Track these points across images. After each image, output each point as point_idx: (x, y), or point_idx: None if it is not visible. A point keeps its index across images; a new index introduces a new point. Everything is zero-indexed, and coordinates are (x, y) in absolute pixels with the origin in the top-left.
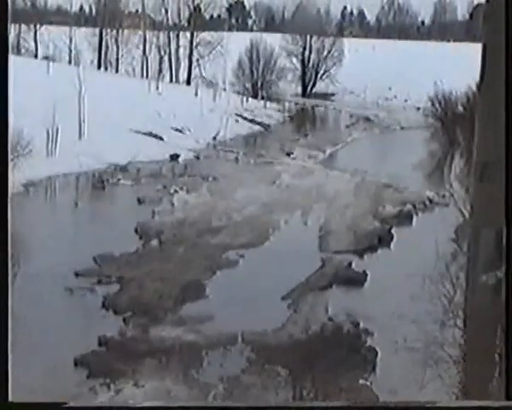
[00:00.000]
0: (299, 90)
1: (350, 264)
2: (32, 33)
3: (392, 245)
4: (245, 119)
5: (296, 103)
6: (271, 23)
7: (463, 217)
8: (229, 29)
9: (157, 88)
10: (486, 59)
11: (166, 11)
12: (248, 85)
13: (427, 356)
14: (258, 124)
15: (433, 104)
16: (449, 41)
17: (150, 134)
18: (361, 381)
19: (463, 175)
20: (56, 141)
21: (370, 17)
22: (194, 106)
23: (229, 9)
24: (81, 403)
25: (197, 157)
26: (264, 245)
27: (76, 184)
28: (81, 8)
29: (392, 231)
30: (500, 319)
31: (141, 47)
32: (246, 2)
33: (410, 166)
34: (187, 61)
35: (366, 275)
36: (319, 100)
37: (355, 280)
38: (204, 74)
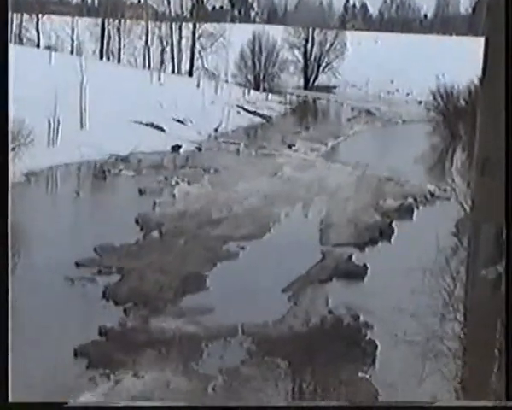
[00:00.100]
0: (301, 82)
1: (350, 257)
2: (34, 23)
3: (392, 239)
4: (247, 111)
5: (298, 96)
6: (274, 15)
7: (464, 211)
8: (232, 21)
9: (159, 79)
10: (489, 53)
11: (169, 2)
12: (250, 77)
13: (426, 350)
14: (260, 116)
15: (434, 98)
16: (451, 35)
17: (152, 125)
18: (360, 374)
19: (465, 169)
20: (58, 131)
21: (373, 10)
22: (196, 97)
23: (232, 1)
24: (81, 393)
25: (199, 149)
26: (265, 237)
27: (77, 175)
28: None
29: (393, 224)
30: (500, 312)
31: (143, 38)
32: None
33: (411, 159)
34: (189, 52)
35: (366, 268)
36: (321, 93)
37: (355, 273)
38: (206, 66)
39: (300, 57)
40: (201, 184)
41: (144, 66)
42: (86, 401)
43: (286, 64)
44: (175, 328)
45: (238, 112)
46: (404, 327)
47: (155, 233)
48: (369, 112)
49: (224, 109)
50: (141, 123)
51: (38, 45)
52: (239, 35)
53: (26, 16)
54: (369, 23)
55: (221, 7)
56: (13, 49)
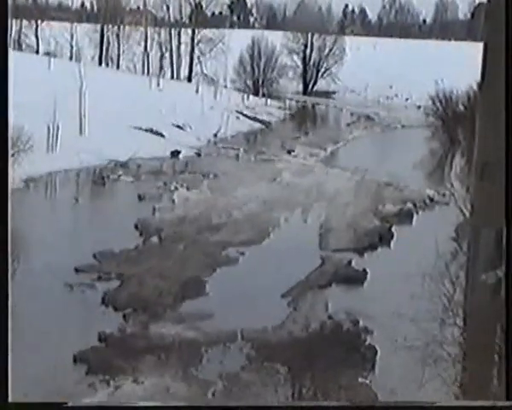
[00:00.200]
0: (301, 87)
1: (350, 262)
2: (33, 29)
3: (392, 244)
4: (246, 116)
5: (297, 101)
6: (273, 21)
7: (464, 216)
8: (231, 26)
9: (158, 85)
10: (487, 58)
11: (168, 8)
12: (249, 83)
13: (426, 355)
14: (259, 121)
15: (433, 103)
16: (450, 40)
17: (151, 131)
18: (360, 379)
19: (464, 174)
20: (57, 137)
21: (372, 15)
22: (195, 103)
23: (231, 7)
24: (80, 399)
25: (198, 154)
26: (265, 243)
27: (76, 181)
28: (82, 4)
29: (393, 229)
30: (499, 317)
31: (142, 43)
32: (247, 0)
33: (410, 164)
34: (188, 57)
35: (366, 273)
36: (320, 98)
37: (355, 278)
38: (205, 71)
39: (299, 62)
40: (201, 189)
41: (143, 71)
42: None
43: (285, 69)
44: (174, 333)
45: (237, 117)
46: (403, 332)
47: (155, 239)
48: (368, 117)
49: (223, 115)
50: (140, 129)
51: (38, 51)
52: (238, 40)
53: (25, 22)
54: (368, 28)
55: (220, 12)
56: (12, 56)
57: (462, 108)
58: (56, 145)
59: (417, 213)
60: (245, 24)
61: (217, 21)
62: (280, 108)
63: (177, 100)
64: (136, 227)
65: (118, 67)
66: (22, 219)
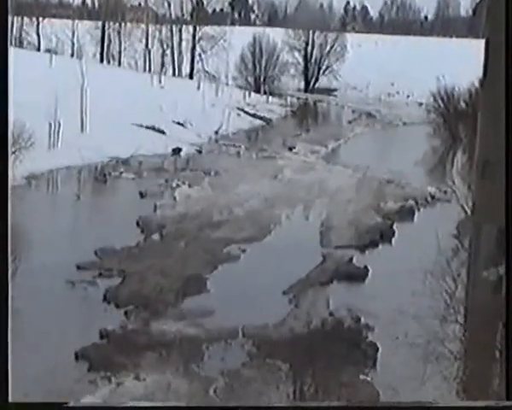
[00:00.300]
0: (302, 85)
1: (351, 259)
2: (34, 26)
3: (393, 241)
4: (247, 113)
5: (298, 98)
6: (274, 18)
7: (465, 213)
8: (232, 23)
9: (159, 82)
10: (489, 55)
11: (169, 5)
12: (251, 80)
13: (427, 352)
14: (261, 118)
15: (435, 100)
16: (452, 37)
17: (152, 128)
18: (361, 376)
19: (465, 171)
20: (58, 134)
21: (373, 12)
22: (197, 100)
23: (232, 4)
24: (82, 396)
25: (199, 151)
26: (266, 240)
27: (78, 178)
28: (83, 1)
29: (394, 226)
30: (501, 314)
31: (143, 41)
32: None
33: (412, 161)
34: (189, 55)
35: (367, 270)
36: (321, 95)
37: (356, 275)
38: (206, 68)
39: (301, 60)
40: (202, 186)
41: (145, 69)
42: (86, 402)
43: (286, 66)
44: (176, 330)
45: (238, 114)
46: (405, 329)
47: (156, 236)
48: (369, 114)
49: (225, 112)
50: (141, 126)
51: (39, 48)
52: (239, 38)
53: (26, 20)
54: (370, 25)
55: (221, 10)
56: (13, 53)
57: (463, 105)
58: (58, 142)
59: (419, 210)
60: (246, 21)
61: (218, 18)
62: (281, 105)
63: (178, 97)
64: (137, 224)
65: (119, 64)
66: (24, 216)
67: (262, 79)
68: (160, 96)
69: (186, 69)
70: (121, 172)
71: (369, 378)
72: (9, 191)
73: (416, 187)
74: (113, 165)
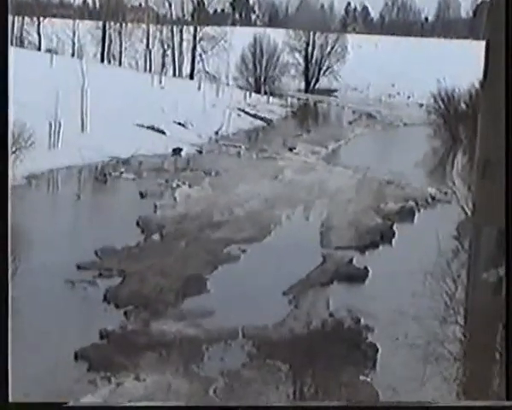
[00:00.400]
0: (302, 85)
1: (351, 260)
2: (35, 26)
3: (393, 242)
4: (248, 113)
5: (299, 99)
6: (275, 18)
7: (465, 214)
8: (233, 24)
9: (160, 82)
10: (490, 57)
11: (170, 5)
12: (251, 80)
13: (427, 353)
14: (261, 119)
15: (435, 101)
16: (452, 38)
17: (153, 128)
18: (361, 377)
19: (466, 172)
20: (59, 134)
21: (374, 13)
22: (197, 100)
23: (233, 4)
24: (81, 396)
25: (199, 151)
26: (266, 240)
27: (78, 178)
28: (84, 1)
29: (394, 227)
30: (501, 316)
31: (144, 41)
32: None
33: (412, 162)
34: (190, 55)
35: (367, 271)
36: (322, 96)
37: (356, 276)
38: (207, 69)
39: (301, 60)
40: (202, 186)
41: (145, 69)
42: (86, 402)
43: (287, 67)
44: (176, 331)
45: (239, 115)
46: (405, 330)
47: (156, 236)
48: (369, 115)
49: (225, 112)
50: (142, 126)
51: (40, 48)
52: (240, 38)
53: (27, 19)
54: (370, 26)
55: (222, 10)
56: (14, 53)
57: (464, 106)
58: (58, 142)
59: (419, 211)
60: (247, 21)
61: (219, 19)
62: (282, 105)
63: (178, 97)
64: (137, 224)
65: (120, 64)
66: (24, 215)
67: (262, 79)
68: (161, 96)
69: (187, 69)
70: (121, 172)
71: (368, 379)
72: (9, 191)
73: (416, 188)
74: (113, 165)
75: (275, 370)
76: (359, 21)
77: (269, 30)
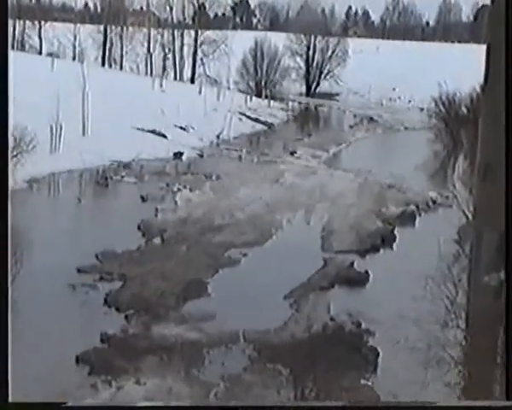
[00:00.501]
0: (303, 89)
1: (352, 264)
2: (36, 30)
3: (394, 246)
4: (249, 117)
5: (300, 103)
6: (276, 22)
7: (466, 218)
8: (234, 28)
9: (161, 86)
10: (491, 61)
11: (171, 9)
12: (252, 84)
13: (428, 357)
14: (262, 123)
15: (436, 105)
16: (453, 42)
17: (154, 132)
18: (362, 381)
19: (467, 176)
20: (60, 137)
21: (375, 17)
22: (198, 104)
23: (234, 8)
24: (82, 399)
25: (201, 155)
26: (267, 244)
27: (79, 181)
28: (86, 5)
29: (395, 231)
30: (502, 320)
31: (145, 44)
32: (250, 1)
33: (413, 166)
34: (191, 59)
35: (368, 275)
36: (323, 100)
37: (357, 280)
38: (208, 73)
39: (302, 64)
40: (203, 190)
41: (146, 72)
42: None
43: (288, 71)
44: (177, 334)
45: (240, 119)
46: (406, 334)
47: (157, 240)
48: (371, 119)
49: (226, 116)
50: (143, 130)
51: (41, 52)
52: (241, 42)
53: (28, 23)
54: (371, 30)
55: (223, 14)
56: (15, 56)
57: (465, 110)
58: (59, 146)
59: (420, 215)
60: (248, 25)
61: (220, 23)
62: (283, 109)
63: (179, 101)
64: (138, 228)
65: (121, 67)
66: (25, 219)
67: (263, 83)
68: (162, 100)
69: (188, 73)
70: (123, 176)
71: (369, 383)
72: (9, 192)
73: (417, 192)
74: (114, 168)
75: (276, 374)
76: (360, 25)
77: (270, 34)
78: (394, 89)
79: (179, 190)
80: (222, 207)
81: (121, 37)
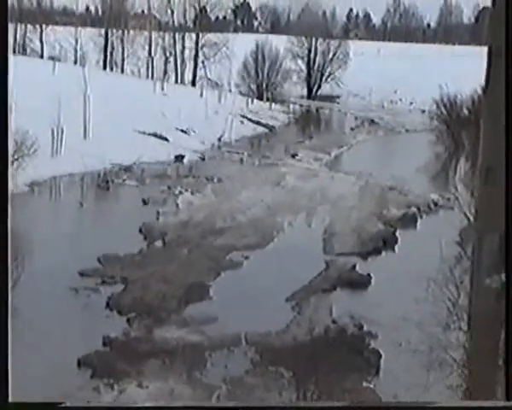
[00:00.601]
0: (305, 92)
1: (354, 266)
2: (38, 33)
3: (396, 248)
4: (250, 120)
5: (301, 105)
6: (277, 25)
7: (468, 220)
8: (235, 30)
9: (162, 89)
10: (492, 62)
11: (172, 12)
12: (253, 87)
13: (430, 359)
14: (263, 125)
15: (438, 107)
16: (454, 44)
17: (155, 135)
18: (364, 383)
19: (468, 178)
20: (61, 141)
21: (376, 20)
22: (200, 107)
23: (235, 11)
24: (84, 403)
25: (202, 158)
26: (269, 247)
27: (81, 185)
28: (87, 8)
29: (397, 233)
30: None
31: (146, 48)
32: (251, 4)
33: (414, 168)
34: (192, 62)
35: (370, 278)
36: (324, 102)
37: (359, 283)
38: (209, 76)
39: (303, 67)
40: (205, 193)
41: (147, 76)
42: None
43: (289, 74)
44: (178, 337)
45: (241, 121)
46: (408, 336)
47: (159, 243)
48: (372, 121)
49: (228, 119)
50: (144, 133)
51: (42, 56)
52: (242, 45)
53: (30, 27)
54: (372, 32)
55: (224, 17)
56: (17, 60)
57: (466, 112)
58: (61, 149)
59: (421, 217)
60: (249, 28)
61: (221, 26)
62: (284, 112)
63: (181, 104)
64: (140, 231)
65: (122, 71)
66: (26, 223)
67: (265, 86)
68: (163, 103)
69: (189, 76)
70: (124, 179)
71: (372, 385)
72: (10, 195)
73: (418, 194)
74: (115, 172)
75: (278, 376)
76: (361, 27)
77: (271, 36)
78: (395, 91)
79: (181, 193)
80: (223, 210)
81: (122, 40)
